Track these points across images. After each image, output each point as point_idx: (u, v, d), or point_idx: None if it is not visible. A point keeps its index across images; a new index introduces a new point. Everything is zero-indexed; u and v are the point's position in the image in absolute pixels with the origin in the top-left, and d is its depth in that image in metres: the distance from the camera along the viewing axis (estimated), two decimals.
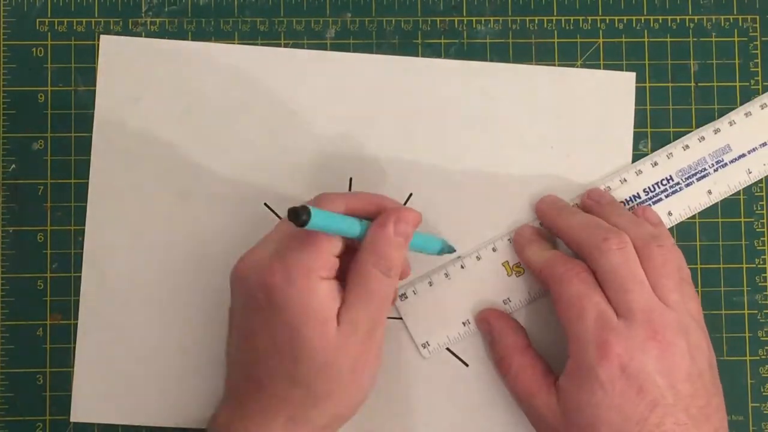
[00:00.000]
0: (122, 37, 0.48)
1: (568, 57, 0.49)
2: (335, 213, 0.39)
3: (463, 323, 0.46)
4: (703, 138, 0.46)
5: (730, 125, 0.46)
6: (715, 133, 0.46)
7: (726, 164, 0.46)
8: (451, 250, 0.45)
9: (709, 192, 0.46)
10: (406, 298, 0.46)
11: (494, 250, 0.46)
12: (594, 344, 0.40)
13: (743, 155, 0.46)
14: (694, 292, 0.43)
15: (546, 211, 0.46)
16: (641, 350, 0.40)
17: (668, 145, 0.47)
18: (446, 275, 0.46)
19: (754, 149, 0.46)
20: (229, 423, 0.40)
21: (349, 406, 0.41)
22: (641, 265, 0.42)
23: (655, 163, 0.46)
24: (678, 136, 0.48)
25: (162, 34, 0.48)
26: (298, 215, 0.35)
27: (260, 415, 0.39)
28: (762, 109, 0.46)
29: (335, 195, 0.40)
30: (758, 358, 0.48)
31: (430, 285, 0.46)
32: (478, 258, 0.46)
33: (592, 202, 0.46)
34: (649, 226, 0.44)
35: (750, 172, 0.46)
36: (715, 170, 0.46)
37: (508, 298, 0.46)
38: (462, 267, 0.46)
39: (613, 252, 0.41)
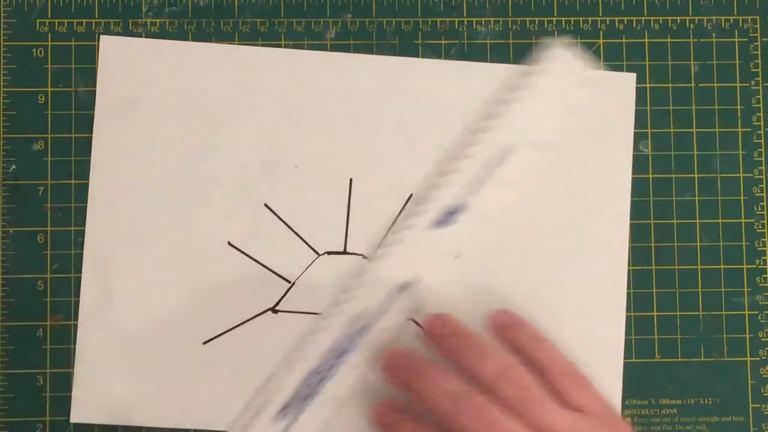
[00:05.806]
0: (122, 37, 0.48)
1: None
2: None
3: None
4: None
5: None
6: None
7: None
8: None
9: None
10: None
11: None
12: None
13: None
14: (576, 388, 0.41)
15: (399, 373, 0.43)
16: None
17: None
18: None
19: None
20: None
21: None
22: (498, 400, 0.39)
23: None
24: (678, 136, 0.48)
25: (162, 34, 0.48)
26: None
27: None
28: None
29: None
30: (758, 359, 0.48)
31: None
32: None
33: (436, 335, 0.43)
34: (495, 359, 0.40)
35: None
36: None
37: None
38: None
39: (464, 413, 0.39)
